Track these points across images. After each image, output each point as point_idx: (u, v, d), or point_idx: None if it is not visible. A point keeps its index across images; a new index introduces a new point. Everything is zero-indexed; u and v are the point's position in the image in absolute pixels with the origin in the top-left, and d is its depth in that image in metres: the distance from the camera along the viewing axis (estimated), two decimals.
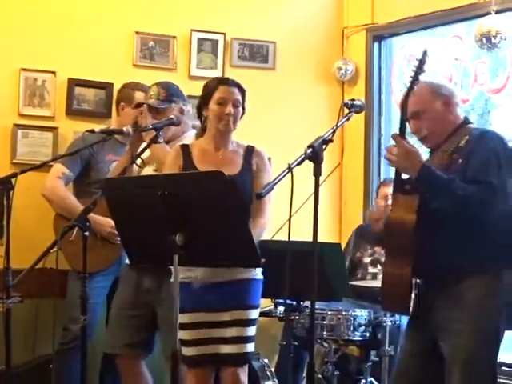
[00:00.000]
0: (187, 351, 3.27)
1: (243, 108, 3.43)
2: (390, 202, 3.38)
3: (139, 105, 3.82)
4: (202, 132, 3.49)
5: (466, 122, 3.15)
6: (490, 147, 2.94)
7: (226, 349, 3.23)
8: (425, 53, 2.99)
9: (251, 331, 3.27)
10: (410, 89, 3.00)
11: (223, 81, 3.42)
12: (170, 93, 3.76)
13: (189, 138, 3.80)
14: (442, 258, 2.94)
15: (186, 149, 3.42)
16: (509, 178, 2.96)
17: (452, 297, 2.95)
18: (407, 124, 3.06)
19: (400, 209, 3.01)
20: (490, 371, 2.94)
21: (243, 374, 3.26)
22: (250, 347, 3.27)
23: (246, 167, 3.37)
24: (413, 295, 3.02)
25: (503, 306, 2.95)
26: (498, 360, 3.09)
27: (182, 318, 3.20)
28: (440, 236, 2.92)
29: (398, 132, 3.01)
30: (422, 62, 2.99)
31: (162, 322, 3.63)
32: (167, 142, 3.70)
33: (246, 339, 3.25)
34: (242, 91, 3.40)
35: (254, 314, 3.28)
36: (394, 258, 3.04)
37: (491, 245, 2.91)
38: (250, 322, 3.26)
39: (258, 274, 3.31)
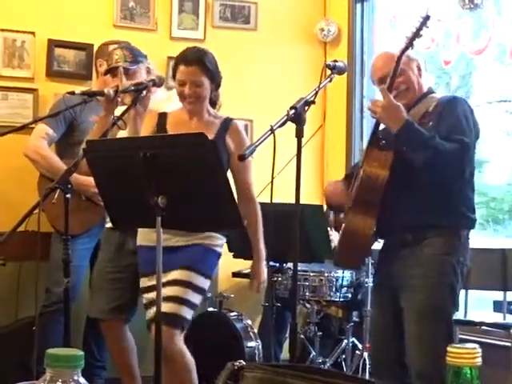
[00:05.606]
0: (147, 314, 3.28)
1: (215, 80, 3.31)
2: None
3: (112, 69, 3.75)
4: None
5: (431, 91, 3.22)
6: (460, 110, 3.03)
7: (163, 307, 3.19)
8: (427, 17, 3.00)
9: (193, 297, 3.17)
10: (406, 48, 3.02)
11: (182, 60, 3.28)
12: (134, 53, 3.75)
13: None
14: (403, 215, 3.03)
15: (162, 116, 3.39)
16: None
17: (410, 255, 3.03)
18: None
19: (373, 163, 3.06)
20: (445, 324, 3.00)
21: (176, 337, 3.13)
22: (186, 312, 3.16)
23: (220, 138, 3.29)
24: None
25: (460, 265, 3.02)
26: (467, 318, 3.16)
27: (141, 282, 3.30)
28: (406, 194, 3.01)
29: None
30: (423, 23, 3.00)
31: None
32: None
33: (184, 301, 3.15)
34: (205, 68, 3.25)
35: (201, 281, 3.20)
36: (358, 210, 3.09)
37: (451, 205, 3.02)
38: (193, 286, 3.17)
39: (217, 245, 3.28)
